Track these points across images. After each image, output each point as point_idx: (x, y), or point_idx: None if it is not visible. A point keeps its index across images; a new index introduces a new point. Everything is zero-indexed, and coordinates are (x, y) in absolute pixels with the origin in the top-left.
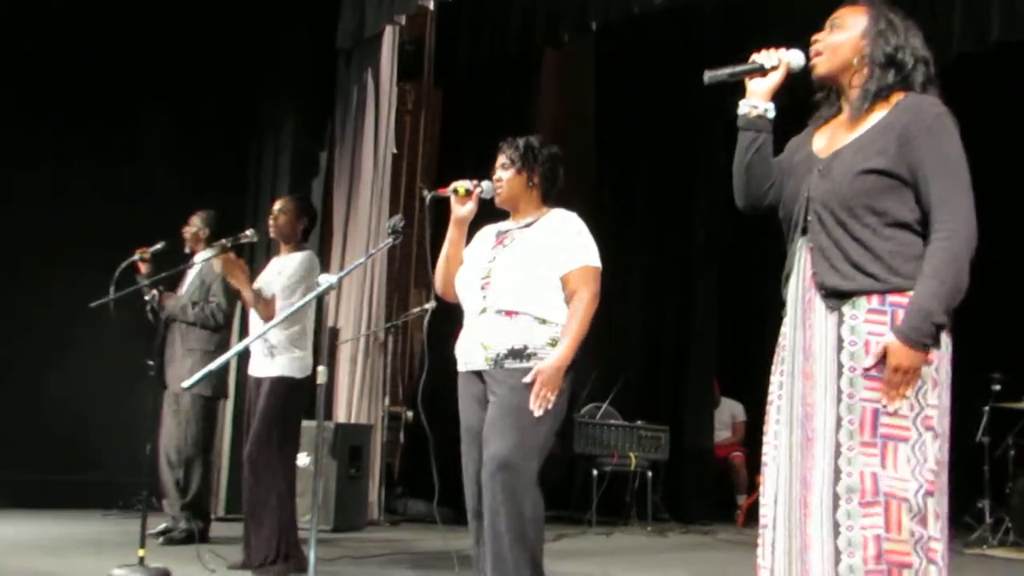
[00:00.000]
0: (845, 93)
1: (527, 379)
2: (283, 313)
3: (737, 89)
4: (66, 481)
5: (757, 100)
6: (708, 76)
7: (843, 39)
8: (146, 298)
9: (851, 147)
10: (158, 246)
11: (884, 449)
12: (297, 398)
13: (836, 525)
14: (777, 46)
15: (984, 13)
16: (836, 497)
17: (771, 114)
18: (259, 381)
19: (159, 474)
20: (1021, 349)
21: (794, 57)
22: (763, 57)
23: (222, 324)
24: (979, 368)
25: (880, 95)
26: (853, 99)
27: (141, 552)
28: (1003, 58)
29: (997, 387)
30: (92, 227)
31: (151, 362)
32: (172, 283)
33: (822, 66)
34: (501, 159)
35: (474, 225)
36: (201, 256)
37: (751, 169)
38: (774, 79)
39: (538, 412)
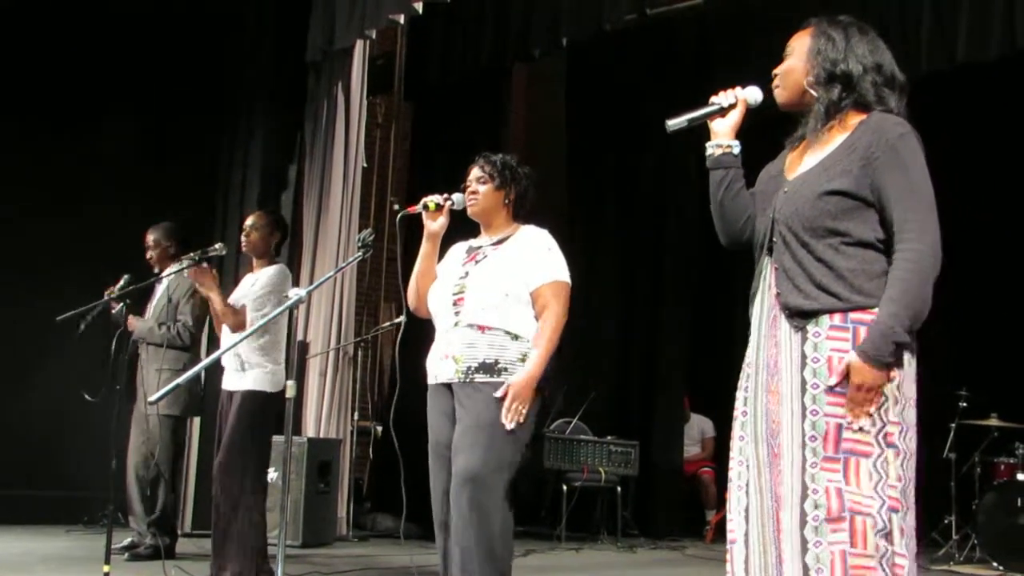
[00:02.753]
0: (807, 116)
1: (498, 394)
2: (254, 325)
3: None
4: (30, 496)
5: (722, 139)
6: (670, 125)
7: (792, 66)
8: (113, 312)
9: (815, 169)
10: (122, 281)
11: (847, 464)
12: (269, 412)
13: (804, 542)
14: (736, 79)
15: (951, 34)
16: (804, 514)
17: (736, 150)
18: (231, 395)
19: (126, 490)
20: (987, 366)
21: (751, 94)
22: (721, 98)
23: (188, 344)
24: (946, 385)
25: (831, 112)
26: (811, 121)
27: (106, 568)
28: (970, 77)
29: (964, 404)
30: (60, 242)
31: (117, 385)
32: (140, 300)
33: (781, 95)
34: (477, 172)
35: (447, 240)
36: (169, 271)
37: (724, 206)
38: (734, 117)
39: (510, 426)
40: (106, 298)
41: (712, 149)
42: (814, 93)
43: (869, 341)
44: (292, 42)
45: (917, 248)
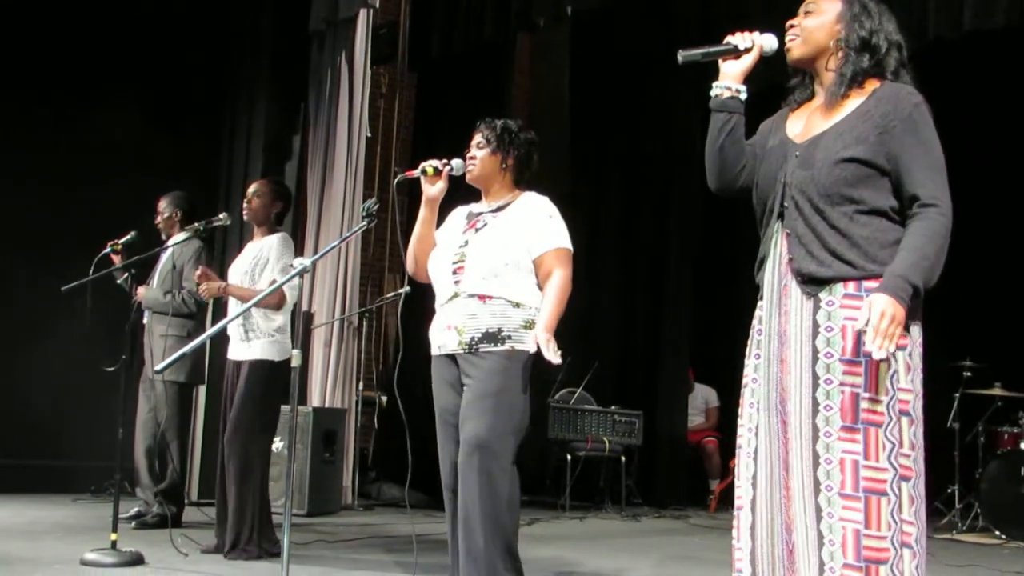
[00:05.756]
0: (819, 77)
1: (530, 348)
2: (259, 295)
3: (712, 73)
4: (37, 466)
5: (730, 81)
6: (682, 55)
7: (818, 23)
8: (118, 282)
9: (829, 134)
10: (128, 236)
11: (866, 435)
12: (276, 381)
13: (819, 509)
14: (752, 29)
15: (957, 1)
16: (817, 482)
17: (744, 96)
18: (238, 364)
19: (133, 459)
20: (991, 336)
21: (767, 40)
22: (737, 39)
23: (194, 310)
24: (950, 355)
25: (856, 80)
26: (828, 84)
27: (114, 536)
28: (976, 44)
29: (968, 374)
30: (65, 213)
31: (123, 355)
32: (145, 268)
33: (797, 50)
34: (477, 138)
35: (447, 205)
36: (175, 240)
37: (723, 151)
38: (747, 61)
39: (557, 359)
40: (108, 249)
41: (719, 90)
42: (839, 56)
43: (886, 282)
44: (295, 12)
45: (935, 211)
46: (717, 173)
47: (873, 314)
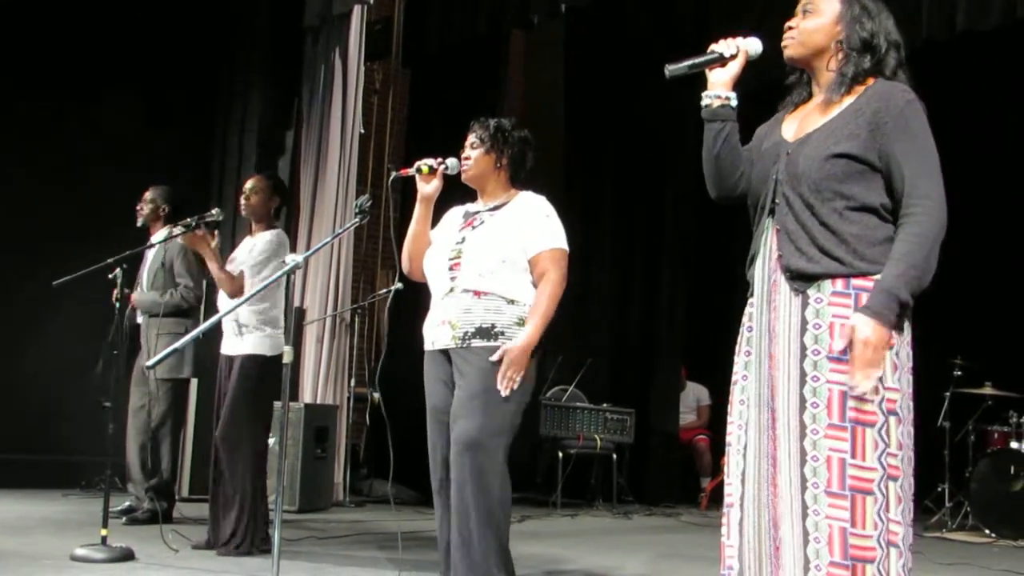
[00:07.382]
0: (817, 77)
1: (494, 357)
2: (251, 291)
3: (701, 76)
4: (27, 461)
5: (720, 90)
6: (668, 70)
7: (816, 25)
8: (110, 276)
9: (822, 131)
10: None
11: (854, 433)
12: (268, 376)
13: (804, 506)
14: (735, 34)
15: (951, 2)
16: (803, 479)
17: (734, 102)
18: (230, 360)
19: (124, 455)
20: (982, 335)
21: (752, 44)
22: (722, 46)
23: (194, 304)
24: (941, 354)
25: (856, 80)
26: (827, 84)
27: (104, 532)
28: (969, 45)
29: (958, 373)
30: (57, 208)
31: (115, 351)
32: (132, 266)
33: (795, 50)
34: (471, 138)
35: (443, 205)
36: (159, 236)
37: (720, 159)
38: (734, 68)
39: (504, 392)
40: (115, 303)
41: (709, 100)
42: (840, 57)
43: (874, 299)
44: (290, 7)
45: (926, 212)
46: (716, 181)
47: (856, 344)
